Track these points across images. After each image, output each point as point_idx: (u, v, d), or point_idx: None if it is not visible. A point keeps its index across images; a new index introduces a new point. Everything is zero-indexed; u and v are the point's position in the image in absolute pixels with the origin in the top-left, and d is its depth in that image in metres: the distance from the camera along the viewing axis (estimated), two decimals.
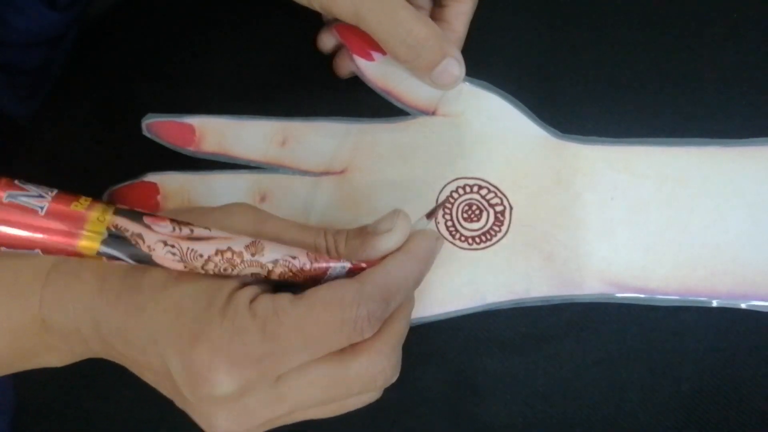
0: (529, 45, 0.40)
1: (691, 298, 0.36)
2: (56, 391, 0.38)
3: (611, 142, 0.38)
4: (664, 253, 0.37)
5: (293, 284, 0.30)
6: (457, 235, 0.38)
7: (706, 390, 0.36)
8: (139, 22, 0.45)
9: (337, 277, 0.30)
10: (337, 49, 0.40)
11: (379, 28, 0.35)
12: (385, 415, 0.37)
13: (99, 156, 0.42)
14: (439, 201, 0.38)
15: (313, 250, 0.31)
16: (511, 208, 0.38)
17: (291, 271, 0.29)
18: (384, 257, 0.31)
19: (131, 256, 0.27)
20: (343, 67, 0.40)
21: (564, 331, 0.37)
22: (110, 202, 0.28)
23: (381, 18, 0.35)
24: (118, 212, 0.28)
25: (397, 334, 0.30)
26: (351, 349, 0.29)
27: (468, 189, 0.38)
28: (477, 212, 0.38)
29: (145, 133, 0.39)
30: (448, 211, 0.38)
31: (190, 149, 0.39)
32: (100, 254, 0.27)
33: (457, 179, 0.38)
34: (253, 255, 0.28)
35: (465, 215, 0.38)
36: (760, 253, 0.36)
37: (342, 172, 0.39)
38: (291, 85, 0.41)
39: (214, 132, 0.39)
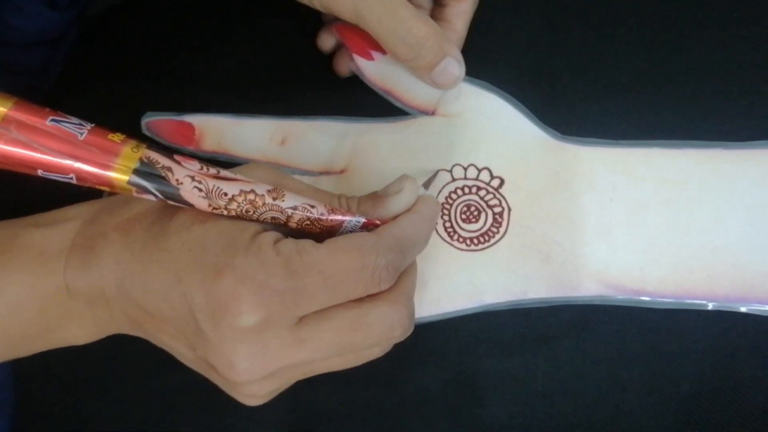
0: (529, 45, 0.40)
1: (688, 301, 0.36)
2: (56, 391, 0.38)
3: (610, 143, 0.38)
4: (662, 256, 0.37)
5: (308, 235, 0.31)
6: (456, 236, 0.38)
7: (706, 390, 0.36)
8: (139, 21, 0.45)
9: (350, 232, 0.31)
10: (337, 49, 0.40)
11: (379, 27, 0.35)
12: (385, 415, 0.37)
13: None
14: (439, 200, 0.38)
15: None
16: (509, 209, 0.38)
17: (309, 219, 0.30)
18: (395, 217, 0.32)
19: (160, 191, 0.28)
20: (343, 67, 0.40)
21: (563, 331, 0.37)
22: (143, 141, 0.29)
23: (381, 16, 0.35)
24: (150, 147, 0.29)
25: (411, 287, 0.31)
26: (369, 297, 0.29)
27: (467, 190, 0.38)
28: (475, 213, 0.38)
29: (145, 131, 0.39)
30: (446, 212, 0.38)
31: (189, 148, 0.39)
32: (130, 184, 0.28)
33: (455, 180, 0.38)
34: (274, 199, 0.29)
35: (463, 216, 0.38)
36: (758, 255, 0.36)
37: (341, 171, 0.39)
38: (291, 84, 0.41)
39: (214, 131, 0.39)
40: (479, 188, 0.38)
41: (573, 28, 0.40)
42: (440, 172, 0.38)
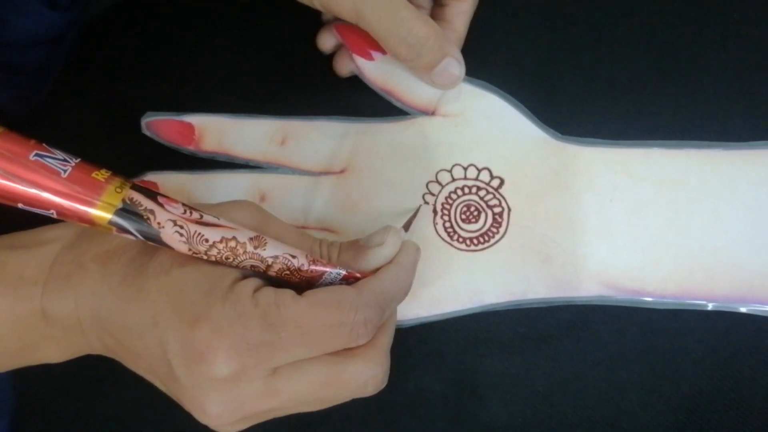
0: (529, 45, 0.40)
1: (688, 301, 0.36)
2: (56, 391, 0.38)
3: (610, 143, 0.38)
4: (662, 256, 0.37)
5: (288, 284, 0.31)
6: (456, 237, 0.38)
7: (706, 391, 0.36)
8: (139, 22, 0.45)
9: (330, 283, 0.31)
10: (337, 49, 0.40)
11: (380, 27, 0.35)
12: (385, 415, 0.37)
13: (99, 155, 0.42)
14: (436, 202, 0.38)
15: None
16: (509, 209, 0.38)
17: (288, 269, 0.30)
18: (375, 269, 0.32)
19: (140, 232, 0.28)
20: (343, 67, 0.40)
21: (563, 331, 0.37)
22: (128, 179, 0.29)
23: (381, 16, 0.35)
24: (134, 188, 0.29)
25: (388, 341, 0.31)
26: (345, 352, 0.29)
27: (467, 190, 0.38)
28: (475, 213, 0.38)
29: (145, 131, 0.39)
30: (446, 212, 0.38)
31: (190, 148, 0.39)
32: (111, 224, 0.28)
33: (455, 180, 0.38)
34: (255, 248, 0.29)
35: (463, 216, 0.38)
36: (758, 256, 0.36)
37: (341, 171, 0.39)
38: (291, 84, 0.41)
39: (214, 131, 0.39)
40: (479, 188, 0.38)
41: (573, 28, 0.40)
42: (423, 207, 0.38)
